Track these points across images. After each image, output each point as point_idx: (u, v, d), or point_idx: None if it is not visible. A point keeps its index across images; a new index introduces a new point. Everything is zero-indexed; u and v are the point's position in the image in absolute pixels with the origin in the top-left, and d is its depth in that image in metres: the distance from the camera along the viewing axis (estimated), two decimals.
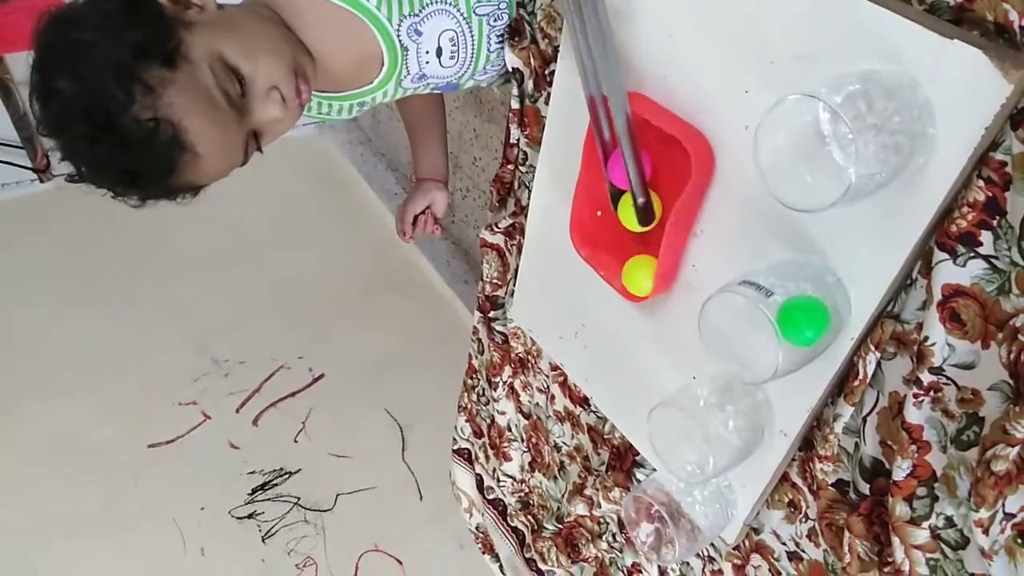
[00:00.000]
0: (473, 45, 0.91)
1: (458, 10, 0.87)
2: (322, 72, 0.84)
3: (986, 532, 0.54)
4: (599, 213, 0.79)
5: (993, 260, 0.50)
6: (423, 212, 1.20)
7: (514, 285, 1.05)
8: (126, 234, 2.44)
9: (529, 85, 0.91)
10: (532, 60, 0.89)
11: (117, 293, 2.39)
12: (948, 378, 0.55)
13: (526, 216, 0.96)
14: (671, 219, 0.67)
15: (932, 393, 0.56)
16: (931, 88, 0.48)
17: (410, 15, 0.84)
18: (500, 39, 0.93)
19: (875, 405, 0.62)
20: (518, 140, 0.97)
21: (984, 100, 0.46)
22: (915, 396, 0.56)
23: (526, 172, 0.98)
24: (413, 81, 0.92)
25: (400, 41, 0.85)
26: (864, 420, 0.63)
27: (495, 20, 0.91)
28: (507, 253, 1.08)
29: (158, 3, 0.72)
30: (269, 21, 0.79)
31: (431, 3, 0.85)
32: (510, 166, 1.01)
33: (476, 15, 0.89)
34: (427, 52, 0.88)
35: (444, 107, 1.20)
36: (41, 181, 2.66)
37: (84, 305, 2.34)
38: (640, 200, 0.70)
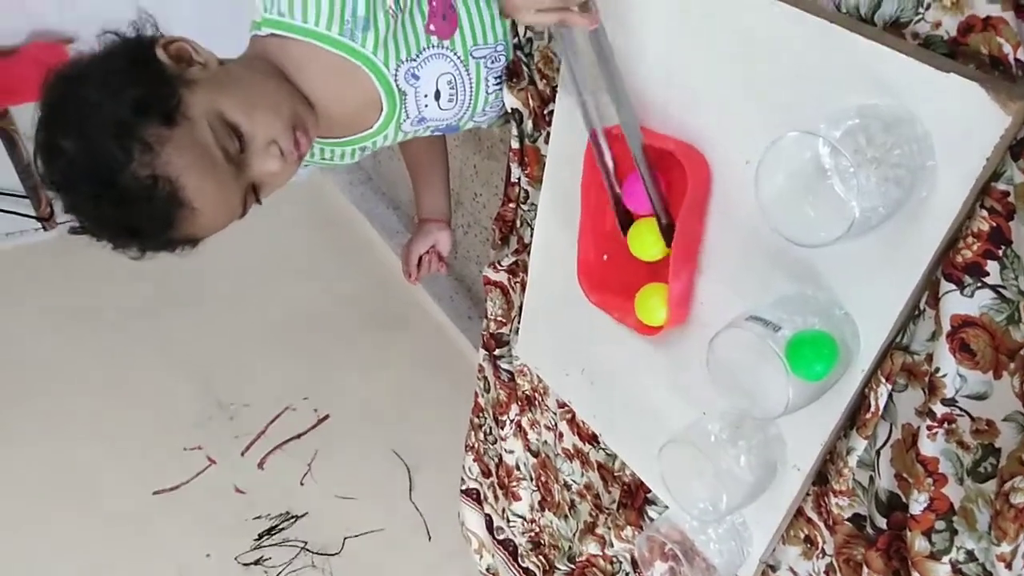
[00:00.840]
0: (471, 87, 0.92)
1: (455, 54, 0.89)
2: (323, 119, 0.85)
3: (1009, 567, 0.53)
4: (605, 257, 0.79)
5: (1001, 290, 0.50)
6: (427, 252, 1.20)
7: (519, 322, 1.05)
8: (129, 280, 2.43)
9: (528, 125, 0.92)
10: (531, 100, 0.90)
11: (121, 339, 2.39)
12: (961, 409, 0.54)
13: (529, 254, 0.97)
14: (676, 235, 0.68)
15: (946, 425, 0.55)
16: (930, 121, 0.49)
17: (407, 60, 0.85)
18: (498, 81, 0.94)
19: (888, 438, 0.61)
20: (519, 179, 0.98)
21: (983, 131, 0.46)
22: (929, 428, 0.56)
23: (528, 210, 0.99)
24: (413, 124, 0.93)
25: (398, 86, 0.86)
26: (878, 453, 0.62)
27: (492, 63, 0.92)
28: (511, 291, 1.08)
29: (161, 62, 0.73)
30: (269, 76, 0.80)
31: (428, 48, 0.86)
32: (512, 204, 1.01)
33: (473, 58, 0.90)
34: (425, 96, 0.89)
35: (446, 148, 1.21)
36: (45, 230, 2.68)
37: (88, 351, 2.34)
38: (663, 220, 0.71)
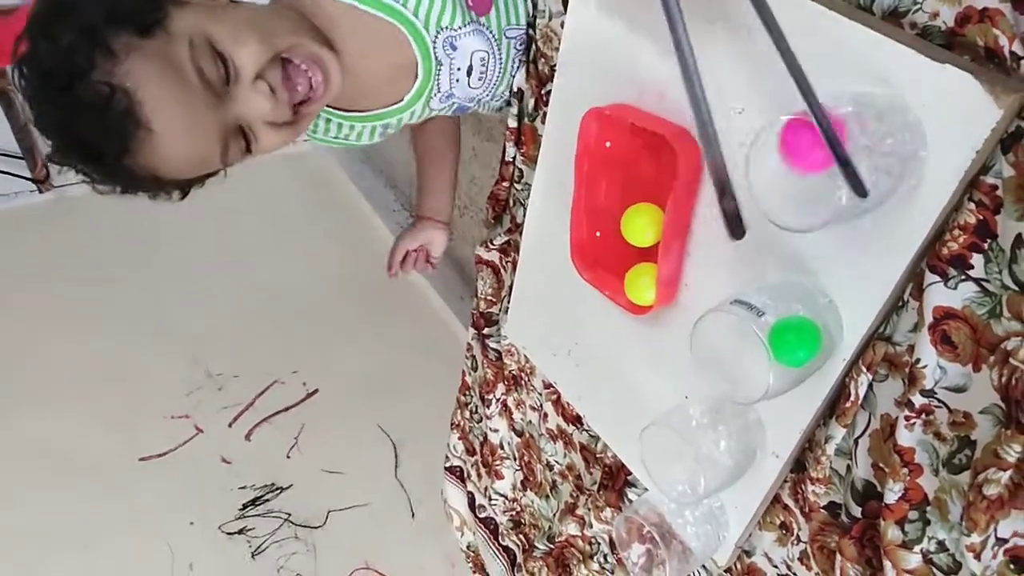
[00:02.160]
0: (499, 68, 0.91)
1: (490, 32, 0.87)
2: (351, 86, 0.79)
3: (978, 557, 0.53)
4: (598, 234, 0.79)
5: (984, 283, 0.50)
6: (416, 249, 1.18)
7: (508, 302, 1.05)
8: (123, 246, 2.44)
9: (530, 104, 0.91)
10: (531, 80, 0.90)
11: (113, 305, 2.38)
12: (940, 401, 0.55)
13: (521, 233, 0.96)
14: (666, 217, 0.68)
15: (924, 416, 0.56)
16: (922, 111, 0.49)
17: (448, 28, 0.82)
18: (518, 64, 0.92)
19: (867, 427, 0.62)
20: (514, 158, 0.97)
21: (975, 124, 0.46)
22: (907, 419, 0.56)
23: (521, 190, 0.99)
24: (441, 101, 0.91)
25: (435, 54, 0.84)
26: (856, 442, 0.62)
27: (520, 44, 0.90)
28: (502, 270, 1.08)
29: None
30: (286, 16, 0.74)
31: (470, 22, 0.84)
32: (505, 183, 1.01)
33: (506, 38, 0.88)
34: (458, 69, 0.87)
35: (459, 145, 1.16)
36: (40, 192, 2.66)
37: (79, 316, 2.34)
38: (732, 203, 0.54)
